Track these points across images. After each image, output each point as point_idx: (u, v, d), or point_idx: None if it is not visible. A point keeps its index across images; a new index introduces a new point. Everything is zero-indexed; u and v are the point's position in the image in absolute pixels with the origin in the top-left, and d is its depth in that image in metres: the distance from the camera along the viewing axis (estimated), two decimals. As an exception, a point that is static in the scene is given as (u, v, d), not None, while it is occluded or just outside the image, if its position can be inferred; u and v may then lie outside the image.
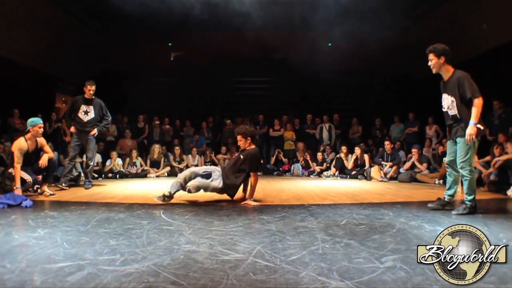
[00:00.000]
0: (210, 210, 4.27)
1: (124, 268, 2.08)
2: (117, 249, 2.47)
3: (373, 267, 2.12)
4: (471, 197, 4.08)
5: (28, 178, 5.43)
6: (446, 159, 4.50)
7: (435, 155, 8.97)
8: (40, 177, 5.83)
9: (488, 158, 7.18)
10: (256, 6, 9.94)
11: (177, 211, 4.10)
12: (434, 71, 4.33)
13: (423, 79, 10.66)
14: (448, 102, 4.23)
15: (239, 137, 5.04)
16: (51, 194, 5.63)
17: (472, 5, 9.93)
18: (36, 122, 5.63)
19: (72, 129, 6.89)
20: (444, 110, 4.35)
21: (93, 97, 6.98)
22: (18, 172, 5.27)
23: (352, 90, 14.69)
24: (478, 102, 3.96)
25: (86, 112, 6.89)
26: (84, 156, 7.16)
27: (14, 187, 5.14)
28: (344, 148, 10.28)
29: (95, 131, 6.95)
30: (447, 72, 4.28)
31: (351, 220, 3.57)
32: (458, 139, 4.13)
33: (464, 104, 4.08)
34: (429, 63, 4.31)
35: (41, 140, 5.81)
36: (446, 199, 4.43)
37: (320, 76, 14.16)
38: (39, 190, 5.70)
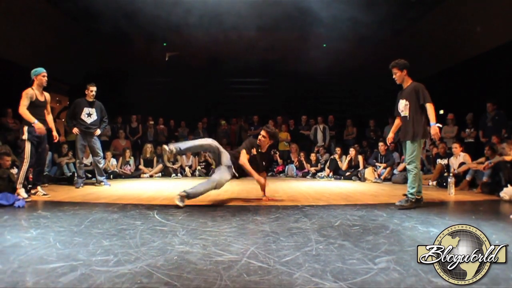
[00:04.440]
0: (204, 211, 4.26)
1: (117, 269, 2.07)
2: (110, 250, 2.46)
3: (366, 268, 2.12)
4: (413, 190, 4.66)
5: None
6: (405, 161, 5.06)
7: (428, 156, 9.02)
8: (31, 176, 5.80)
9: (482, 159, 7.22)
10: (251, 7, 9.94)
11: (171, 212, 4.09)
12: (398, 82, 5.00)
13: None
14: (402, 105, 4.89)
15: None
16: (44, 194, 5.60)
17: (466, 8, 9.99)
18: (39, 71, 5.63)
19: (75, 130, 7.05)
20: (400, 113, 4.98)
21: (94, 99, 7.17)
22: (24, 112, 5.37)
23: (346, 92, 14.73)
24: (431, 107, 4.63)
25: (89, 115, 7.10)
26: (79, 156, 7.25)
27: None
28: (338, 150, 10.32)
29: (98, 132, 7.20)
30: (407, 82, 4.94)
31: (345, 221, 3.57)
32: (407, 143, 4.78)
33: (415, 108, 4.73)
34: (394, 76, 4.97)
35: (47, 95, 5.80)
36: (416, 196, 4.84)
37: (314, 77, 14.20)
38: (32, 191, 5.66)
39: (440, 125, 4.70)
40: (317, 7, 9.74)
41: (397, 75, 4.92)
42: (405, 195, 4.80)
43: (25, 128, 5.40)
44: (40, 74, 5.62)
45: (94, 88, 7.11)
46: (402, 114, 4.92)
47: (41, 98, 5.64)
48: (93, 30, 12.20)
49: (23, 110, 5.36)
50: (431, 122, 4.61)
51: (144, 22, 10.81)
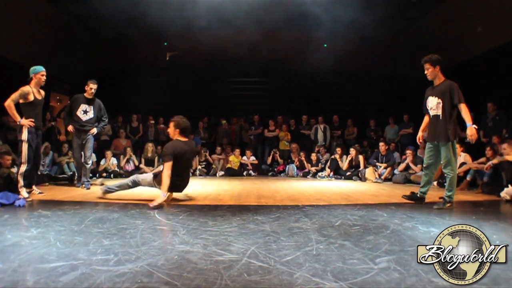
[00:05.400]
0: (204, 210, 4.26)
1: (117, 268, 2.07)
2: (110, 249, 2.46)
3: (367, 268, 2.12)
4: (451, 193, 4.69)
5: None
6: (424, 162, 5.06)
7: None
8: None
9: (482, 159, 7.22)
10: (252, 7, 9.94)
11: (171, 211, 4.09)
12: (430, 78, 4.83)
13: (417, 81, 10.72)
14: (433, 104, 4.79)
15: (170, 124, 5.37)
16: (40, 193, 5.63)
17: (466, 9, 9.99)
18: (38, 70, 5.62)
19: (70, 128, 6.72)
20: (428, 110, 4.91)
21: (94, 97, 6.87)
22: (9, 105, 5.32)
23: (347, 91, 14.73)
24: (465, 107, 4.55)
25: (85, 112, 6.76)
26: (76, 156, 6.96)
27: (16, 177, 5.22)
28: (338, 149, 10.31)
29: (94, 130, 6.82)
30: (439, 79, 4.79)
31: (345, 221, 3.57)
32: (441, 145, 4.71)
33: (449, 107, 4.64)
34: (426, 72, 4.80)
35: (43, 92, 5.82)
36: (418, 195, 5.05)
37: (315, 77, 14.20)
38: (26, 190, 5.65)
39: (476, 127, 4.59)
40: (318, 8, 9.75)
41: (430, 71, 4.77)
42: (442, 198, 4.82)
43: (24, 129, 5.39)
44: (39, 73, 5.61)
45: (94, 86, 6.76)
46: (433, 112, 4.82)
47: (39, 96, 5.65)
48: (94, 30, 12.22)
49: (10, 103, 5.32)
50: (468, 123, 4.51)
51: (145, 22, 10.80)
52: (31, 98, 5.48)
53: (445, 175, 4.79)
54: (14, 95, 5.38)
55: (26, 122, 5.38)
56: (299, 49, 13.13)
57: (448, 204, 4.63)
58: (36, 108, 5.58)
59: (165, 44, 14.06)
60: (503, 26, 9.10)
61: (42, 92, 5.80)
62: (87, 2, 10.07)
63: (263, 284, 1.89)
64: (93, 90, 6.78)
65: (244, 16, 10.21)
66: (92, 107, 6.82)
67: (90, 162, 6.91)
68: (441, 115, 4.71)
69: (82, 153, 6.89)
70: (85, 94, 6.81)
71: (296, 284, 1.89)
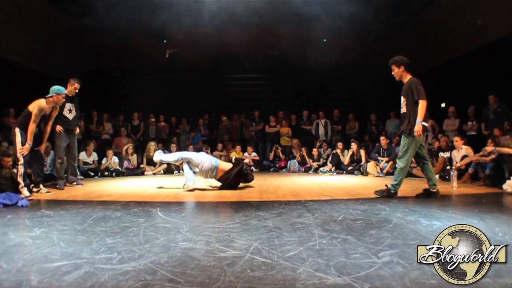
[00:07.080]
0: (207, 207, 4.27)
1: (121, 267, 2.08)
2: (114, 248, 2.46)
3: (370, 262, 2.12)
4: (395, 182, 4.88)
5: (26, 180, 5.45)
6: (414, 159, 5.20)
7: (431, 150, 8.98)
8: (29, 170, 5.84)
9: (484, 151, 7.19)
10: (251, 3, 9.92)
11: (174, 209, 4.10)
12: (397, 78, 5.11)
13: (418, 74, 10.70)
14: (401, 102, 5.04)
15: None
16: (47, 192, 5.65)
17: (467, 1, 9.95)
18: (62, 91, 5.81)
19: (59, 128, 6.57)
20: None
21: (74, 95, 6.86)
22: (33, 130, 5.42)
23: (347, 86, 14.70)
24: (421, 104, 4.73)
25: (70, 111, 6.76)
26: (61, 156, 6.91)
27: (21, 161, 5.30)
28: (340, 144, 10.30)
29: (78, 130, 6.96)
30: (405, 78, 5.02)
31: (348, 215, 3.57)
32: (403, 139, 4.94)
33: (411, 104, 4.84)
34: (392, 73, 5.09)
35: (55, 109, 5.95)
36: (430, 189, 5.01)
37: (315, 72, 14.18)
38: (34, 189, 5.68)
39: (426, 124, 4.85)
40: (317, 2, 9.72)
41: (395, 71, 5.04)
42: (386, 185, 5.00)
43: (17, 130, 5.41)
44: (61, 95, 5.76)
45: (78, 86, 6.75)
46: (402, 111, 5.06)
47: (48, 112, 5.74)
48: (94, 29, 12.21)
49: (33, 128, 5.41)
50: (418, 119, 4.71)
51: (145, 20, 10.80)
52: (42, 114, 5.57)
53: (397, 166, 5.00)
54: (36, 117, 5.45)
55: (27, 148, 5.44)
56: (299, 44, 13.12)
57: (385, 193, 4.88)
58: (40, 122, 5.68)
59: (164, 41, 14.04)
60: (503, 18, 9.06)
61: (54, 109, 5.91)
62: (87, 2, 10.05)
63: (266, 279, 1.89)
64: (77, 90, 6.80)
65: (243, 12, 10.18)
66: (74, 105, 6.84)
67: (76, 160, 7.15)
68: (406, 112, 4.95)
69: (75, 153, 7.02)
70: (66, 92, 6.52)
71: (300, 279, 1.88)
